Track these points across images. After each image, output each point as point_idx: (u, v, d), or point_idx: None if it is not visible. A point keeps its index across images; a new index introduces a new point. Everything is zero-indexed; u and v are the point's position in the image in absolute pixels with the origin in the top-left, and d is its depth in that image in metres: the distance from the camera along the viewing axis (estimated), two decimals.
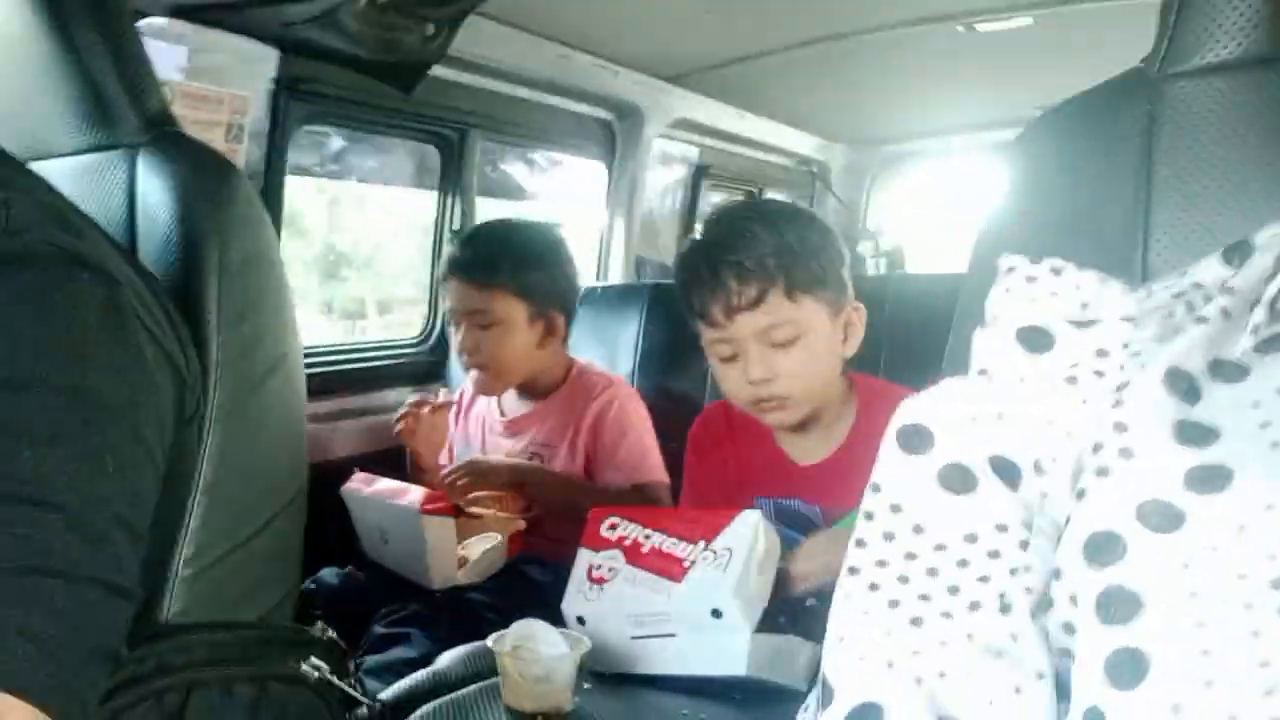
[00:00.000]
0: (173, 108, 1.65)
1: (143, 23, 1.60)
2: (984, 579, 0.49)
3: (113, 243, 0.83)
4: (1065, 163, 0.69)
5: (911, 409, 0.55)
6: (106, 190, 1.00)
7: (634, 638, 1.03)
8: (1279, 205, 0.57)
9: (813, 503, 1.31)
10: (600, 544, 1.11)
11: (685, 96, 2.63)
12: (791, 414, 1.31)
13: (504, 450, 1.84)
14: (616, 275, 2.67)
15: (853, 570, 0.52)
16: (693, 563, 1.00)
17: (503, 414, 1.88)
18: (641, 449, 1.76)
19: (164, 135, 1.02)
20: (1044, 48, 2.23)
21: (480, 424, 1.90)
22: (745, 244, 1.27)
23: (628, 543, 1.08)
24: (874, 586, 0.51)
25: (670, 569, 1.01)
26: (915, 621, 0.49)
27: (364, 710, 0.89)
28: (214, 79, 1.74)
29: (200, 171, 0.98)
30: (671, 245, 3.00)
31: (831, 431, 1.35)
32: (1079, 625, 0.43)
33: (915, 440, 0.53)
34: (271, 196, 1.82)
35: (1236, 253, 0.53)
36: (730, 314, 1.27)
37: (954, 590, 0.49)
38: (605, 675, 1.05)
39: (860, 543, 0.52)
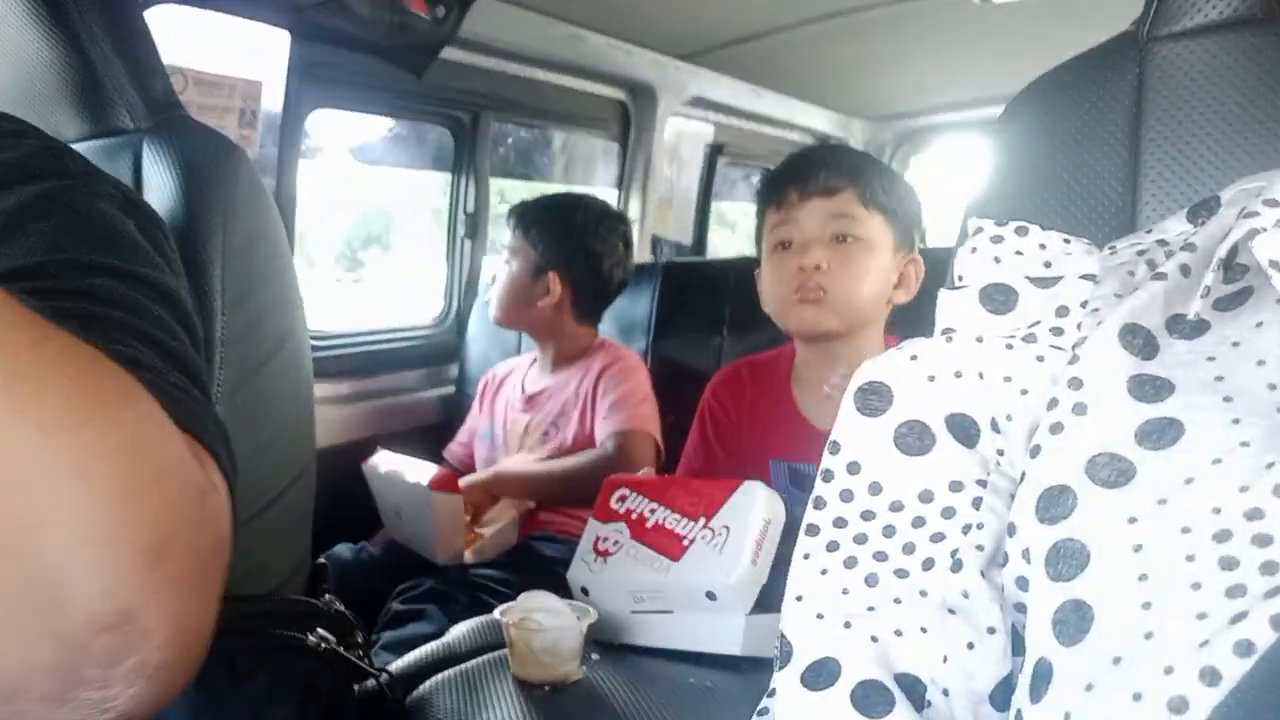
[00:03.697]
0: (186, 94, 1.70)
1: (155, 9, 1.62)
2: (938, 537, 0.50)
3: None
4: (1055, 129, 0.69)
5: (871, 369, 0.55)
6: (114, 175, 1.02)
7: (634, 612, 1.04)
8: (1261, 164, 0.56)
9: None
10: (608, 515, 1.12)
11: (699, 74, 2.62)
12: (827, 314, 1.32)
13: (520, 426, 1.87)
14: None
15: (811, 529, 0.53)
16: (691, 541, 1.00)
17: (524, 391, 1.91)
18: (636, 399, 1.79)
19: (169, 120, 1.03)
20: (1059, 17, 2.20)
21: (506, 405, 1.94)
22: (834, 151, 1.41)
23: (634, 516, 1.09)
24: (832, 546, 0.51)
25: (669, 547, 1.01)
26: (870, 580, 0.50)
27: (372, 682, 0.91)
28: (227, 65, 1.75)
29: (204, 154, 0.99)
30: (688, 225, 3.00)
31: None
32: (1030, 580, 0.43)
33: (874, 400, 0.54)
34: (285, 180, 1.83)
35: (1204, 208, 0.52)
36: (804, 197, 1.34)
37: (909, 549, 0.50)
38: (612, 645, 1.06)
39: (819, 502, 0.53)
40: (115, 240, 0.64)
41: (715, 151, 3.00)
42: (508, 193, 2.53)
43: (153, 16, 1.61)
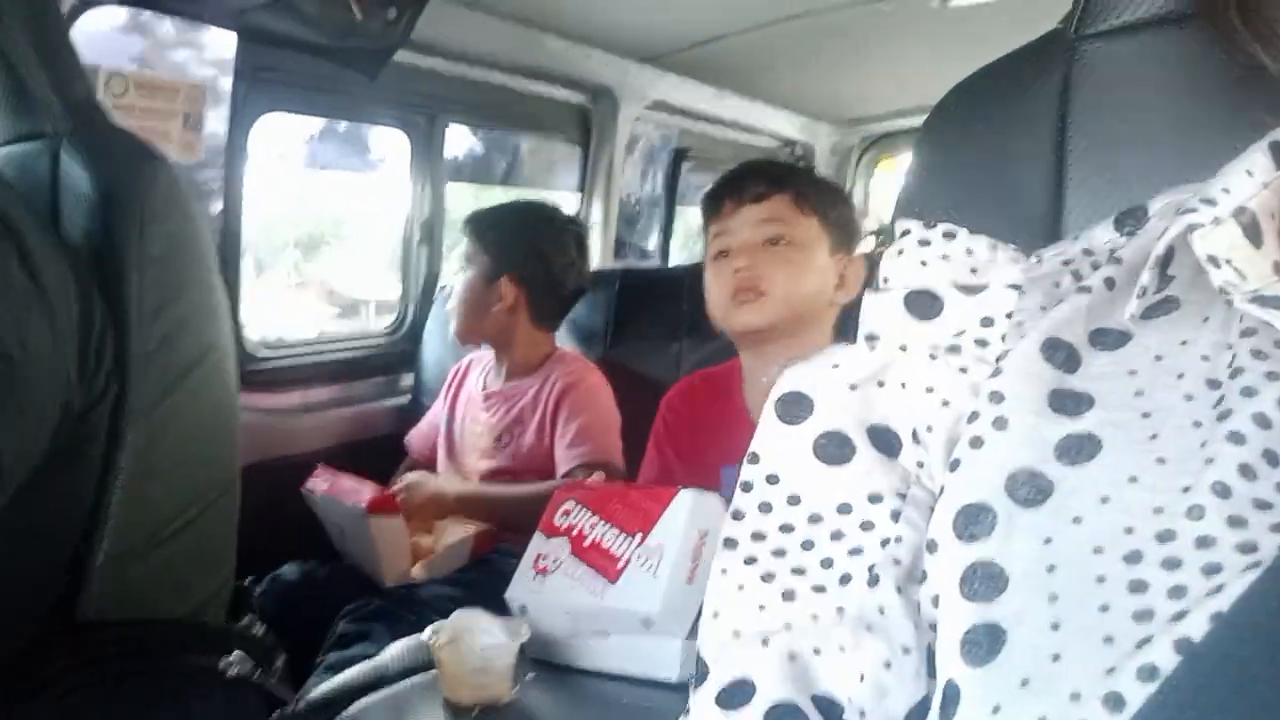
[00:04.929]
0: (127, 98, 1.66)
1: (95, 11, 1.58)
2: (856, 551, 0.48)
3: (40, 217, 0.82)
4: (981, 129, 0.66)
5: (792, 377, 0.53)
6: (32, 180, 0.98)
7: (571, 633, 1.01)
8: (1189, 167, 0.54)
9: None
10: (551, 530, 1.09)
11: (661, 77, 2.59)
12: (764, 313, 1.34)
13: (480, 424, 1.86)
14: (594, 260, 2.64)
15: (729, 543, 0.50)
16: (627, 562, 0.97)
17: (484, 388, 1.90)
18: (601, 428, 1.78)
19: (87, 124, 1.00)
20: (1018, 21, 2.18)
21: (467, 401, 1.93)
22: (766, 163, 1.53)
23: (574, 533, 1.06)
24: (750, 560, 0.49)
25: (606, 568, 0.99)
26: (787, 595, 0.48)
27: (288, 709, 0.87)
28: (170, 68, 1.71)
29: (120, 159, 0.96)
30: (651, 229, 2.98)
31: None
32: (943, 598, 0.41)
33: (794, 409, 0.52)
34: (231, 186, 1.80)
35: (1130, 218, 0.50)
36: (738, 205, 1.38)
37: (827, 563, 0.48)
38: (550, 664, 1.03)
39: (737, 515, 0.51)
40: None
41: (679, 156, 2.98)
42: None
43: (94, 18, 1.59)
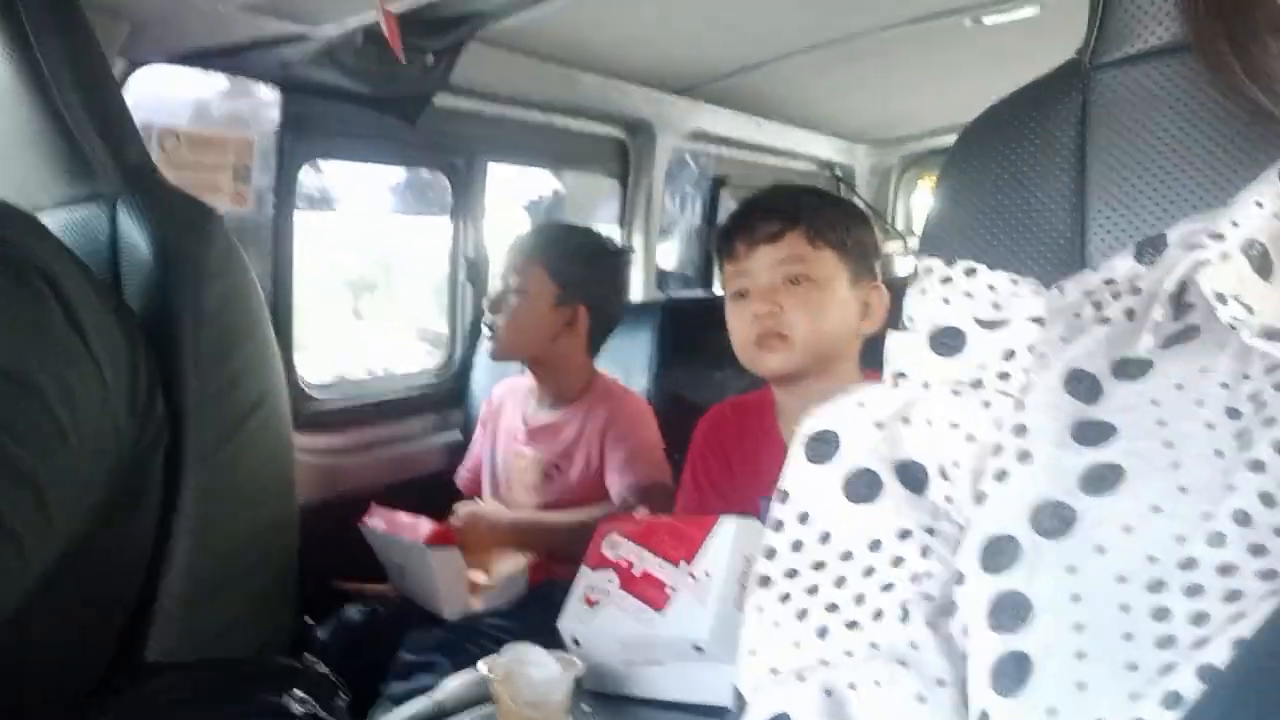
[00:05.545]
0: (180, 153, 1.72)
1: (142, 70, 1.64)
2: (888, 587, 0.48)
3: (90, 278, 0.85)
4: (1002, 161, 0.67)
5: (820, 416, 0.54)
6: (91, 240, 1.03)
7: (624, 662, 1.02)
8: (1208, 193, 0.55)
9: None
10: (599, 563, 1.11)
11: (698, 108, 2.62)
12: (789, 358, 1.32)
13: (526, 458, 1.86)
14: (636, 292, 2.67)
15: (764, 580, 0.51)
16: (674, 590, 0.99)
17: (526, 423, 1.89)
18: (647, 448, 1.78)
19: (143, 184, 1.04)
20: (1052, 37, 2.18)
21: (507, 434, 1.92)
22: (775, 196, 1.43)
23: (622, 564, 1.08)
24: (785, 598, 0.50)
25: (654, 597, 1.00)
26: (821, 632, 0.49)
27: None
28: (219, 123, 1.78)
29: (175, 217, 1.00)
30: (695, 258, 3.00)
31: None
32: (972, 629, 0.42)
33: (821, 448, 0.52)
34: (281, 233, 1.85)
35: (1150, 247, 0.51)
36: (752, 246, 1.35)
37: (860, 599, 0.49)
38: (605, 695, 1.04)
39: (771, 552, 0.52)
40: None
41: (718, 184, 3.00)
42: None
43: (143, 77, 1.65)
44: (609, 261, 1.92)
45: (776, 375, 1.36)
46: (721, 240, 1.42)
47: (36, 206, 1.06)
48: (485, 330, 1.88)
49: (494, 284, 1.91)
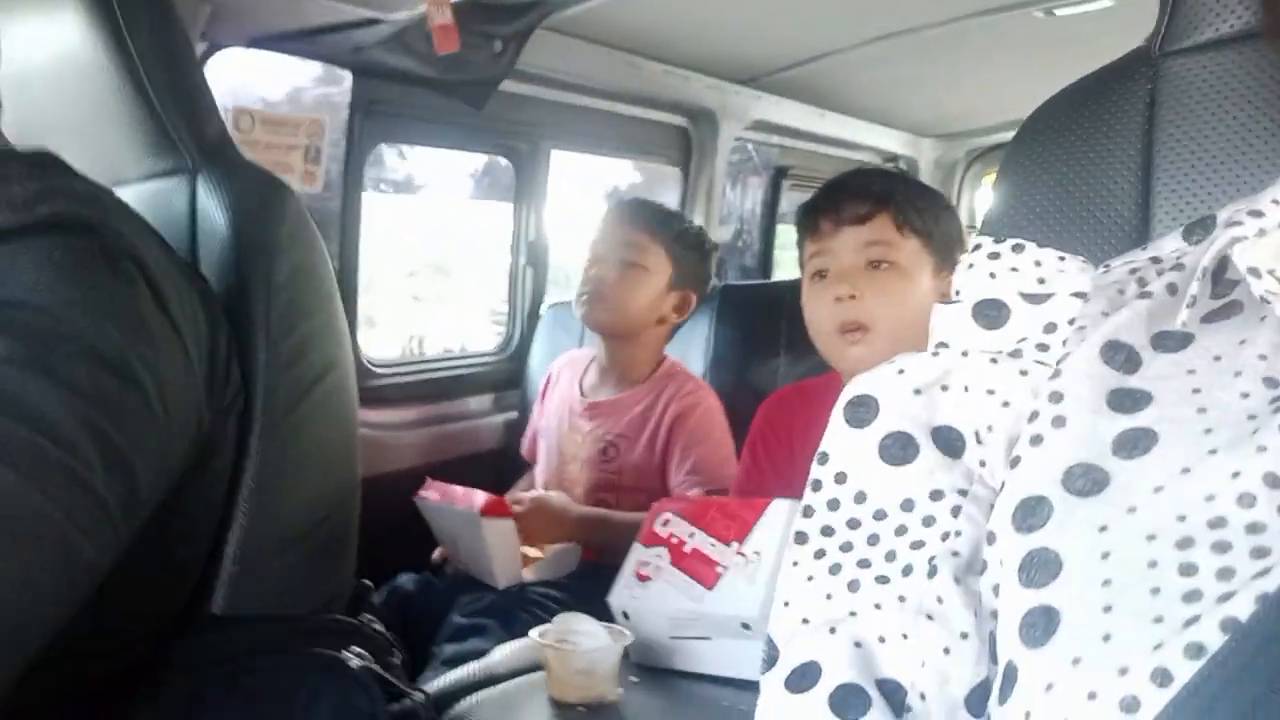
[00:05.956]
0: (255, 134, 1.77)
1: (222, 53, 1.69)
2: (918, 544, 0.51)
3: (171, 251, 0.89)
4: (1067, 147, 0.68)
5: (860, 382, 0.57)
6: (171, 214, 1.07)
7: (672, 637, 1.04)
8: (1275, 179, 0.55)
9: None
10: (651, 540, 1.13)
11: (761, 98, 2.62)
12: (872, 350, 1.28)
13: (583, 433, 1.86)
14: None
15: (800, 536, 0.54)
16: (725, 568, 1.00)
17: (584, 396, 1.90)
18: (718, 458, 1.76)
19: (221, 160, 1.08)
20: (1126, 29, 2.14)
21: (565, 405, 1.93)
22: (865, 176, 1.41)
23: (674, 541, 1.10)
24: (820, 553, 0.53)
25: (704, 574, 1.02)
26: (853, 586, 0.51)
27: (408, 701, 0.93)
28: (293, 104, 1.83)
29: (251, 192, 1.03)
30: (755, 247, 3.00)
31: None
32: (1003, 586, 0.44)
33: (860, 412, 0.55)
34: (350, 212, 1.89)
35: (1199, 228, 0.52)
36: (837, 225, 1.33)
37: (891, 556, 0.51)
38: (652, 668, 1.06)
39: (808, 511, 0.54)
40: None
41: (780, 174, 2.99)
42: None
43: (220, 60, 1.70)
44: (713, 253, 1.98)
45: (860, 370, 1.34)
46: (805, 217, 1.39)
47: (120, 179, 1.10)
48: (581, 293, 1.84)
49: (596, 246, 1.88)
